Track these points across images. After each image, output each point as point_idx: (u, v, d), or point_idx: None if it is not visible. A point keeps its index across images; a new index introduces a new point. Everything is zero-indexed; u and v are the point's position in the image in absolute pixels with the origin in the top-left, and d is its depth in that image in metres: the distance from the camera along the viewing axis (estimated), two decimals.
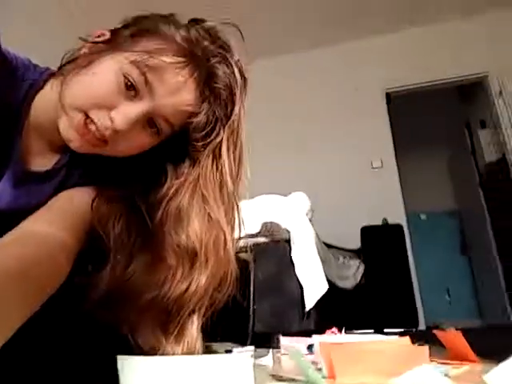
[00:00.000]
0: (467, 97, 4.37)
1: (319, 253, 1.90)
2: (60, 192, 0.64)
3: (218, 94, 0.60)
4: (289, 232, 1.85)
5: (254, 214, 1.87)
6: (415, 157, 5.00)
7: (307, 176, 3.60)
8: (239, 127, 0.62)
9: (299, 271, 1.77)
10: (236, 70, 0.61)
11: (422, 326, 3.14)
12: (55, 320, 0.59)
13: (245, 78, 0.62)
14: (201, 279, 0.59)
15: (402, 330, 2.60)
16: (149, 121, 0.58)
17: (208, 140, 0.60)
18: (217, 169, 0.61)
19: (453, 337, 0.88)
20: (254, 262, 1.72)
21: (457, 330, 0.91)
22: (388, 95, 3.92)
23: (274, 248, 1.84)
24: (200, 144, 0.61)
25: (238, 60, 0.62)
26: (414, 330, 2.78)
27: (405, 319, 2.82)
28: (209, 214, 0.60)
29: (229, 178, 0.61)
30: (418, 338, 0.83)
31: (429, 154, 5.21)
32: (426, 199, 5.15)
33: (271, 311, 1.74)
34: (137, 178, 0.65)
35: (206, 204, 0.60)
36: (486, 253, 4.13)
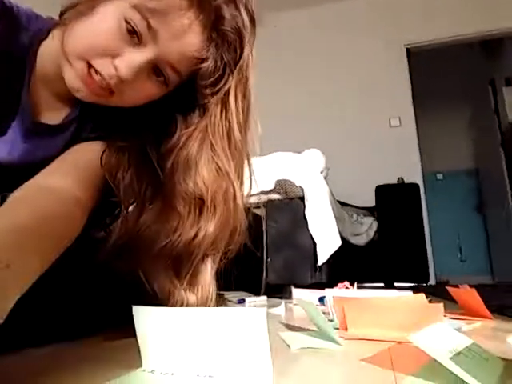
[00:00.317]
0: (492, 53, 4.12)
1: (333, 210, 1.90)
2: (71, 146, 0.64)
3: (226, 37, 0.57)
4: (303, 189, 1.84)
5: (268, 170, 1.85)
6: (435, 115, 4.84)
7: (323, 133, 3.53)
8: (248, 74, 0.59)
9: (312, 227, 1.77)
10: (244, 12, 0.57)
11: (431, 282, 3.18)
12: (71, 271, 0.59)
13: (254, 20, 0.59)
14: (209, 226, 0.59)
15: (412, 284, 2.64)
16: (155, 69, 0.56)
17: (216, 87, 0.59)
18: (225, 117, 0.60)
19: (466, 293, 0.88)
20: (266, 217, 1.74)
21: (470, 286, 0.91)
22: (408, 51, 3.73)
23: (288, 205, 1.84)
24: (208, 91, 0.59)
25: (247, 1, 0.58)
26: (424, 284, 2.82)
27: (415, 275, 2.85)
28: (217, 164, 0.60)
29: (236, 127, 0.60)
30: (428, 292, 0.83)
31: (450, 113, 5.03)
32: (445, 158, 5.05)
33: (284, 264, 1.78)
34: (147, 128, 0.64)
35: (214, 153, 0.60)
36: (502, 211, 4.07)
